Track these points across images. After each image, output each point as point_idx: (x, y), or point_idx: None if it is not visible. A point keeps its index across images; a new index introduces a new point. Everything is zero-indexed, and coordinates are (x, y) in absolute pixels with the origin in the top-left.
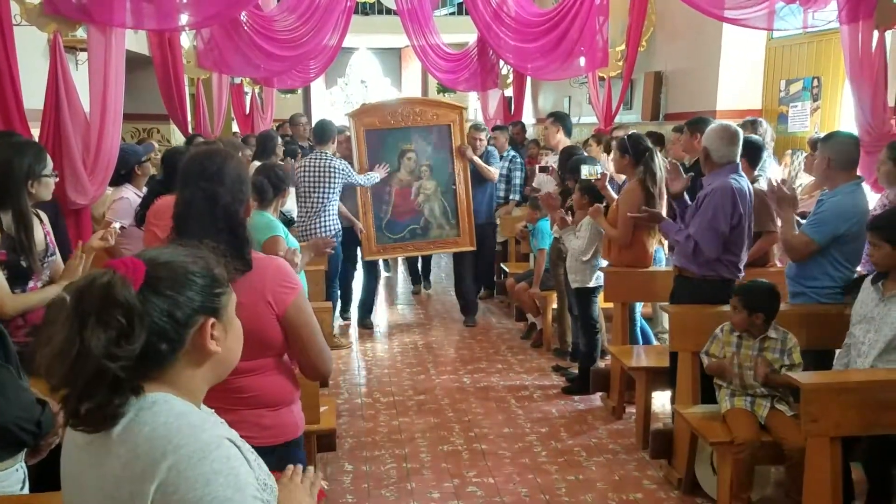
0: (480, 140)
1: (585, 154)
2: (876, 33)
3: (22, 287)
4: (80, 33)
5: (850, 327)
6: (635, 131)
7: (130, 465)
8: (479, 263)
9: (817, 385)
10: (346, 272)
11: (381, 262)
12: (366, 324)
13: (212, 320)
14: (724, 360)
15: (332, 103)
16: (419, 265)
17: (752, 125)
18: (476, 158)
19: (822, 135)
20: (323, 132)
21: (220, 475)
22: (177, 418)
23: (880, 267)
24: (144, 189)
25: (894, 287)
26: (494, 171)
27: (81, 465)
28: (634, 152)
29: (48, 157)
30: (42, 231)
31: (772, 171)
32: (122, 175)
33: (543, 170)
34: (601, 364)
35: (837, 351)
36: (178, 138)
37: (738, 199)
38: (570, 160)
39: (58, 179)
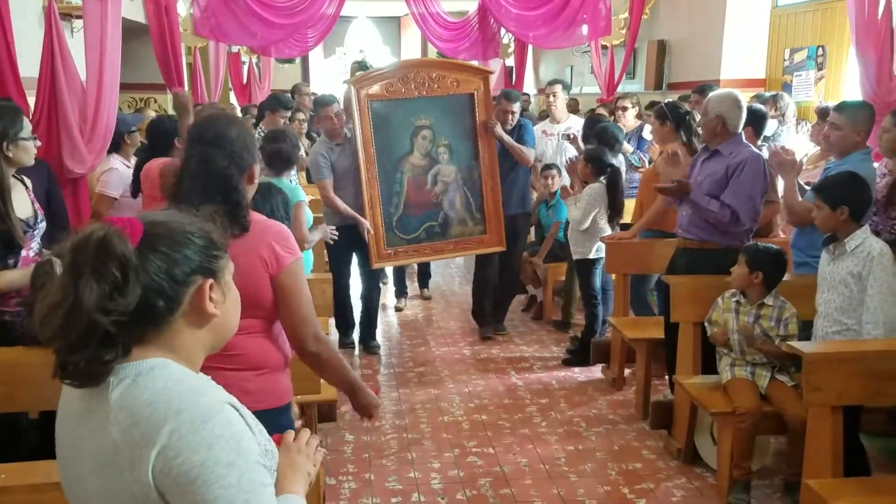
0: (512, 113)
1: (610, 121)
2: (882, 0)
3: (14, 257)
4: (76, 0)
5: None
6: (670, 100)
7: (130, 430)
8: (507, 265)
9: (820, 355)
10: (342, 284)
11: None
12: (371, 347)
13: (210, 281)
14: (723, 329)
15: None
16: (415, 266)
17: (773, 99)
18: (506, 136)
19: (829, 104)
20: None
21: (222, 439)
22: (176, 383)
23: (822, 228)
24: (133, 160)
25: (841, 247)
26: (530, 152)
27: (78, 432)
28: (675, 117)
29: (25, 120)
30: (28, 197)
31: (794, 141)
32: (111, 145)
33: (566, 138)
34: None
35: None
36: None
37: (766, 169)
38: (596, 126)
39: (39, 144)
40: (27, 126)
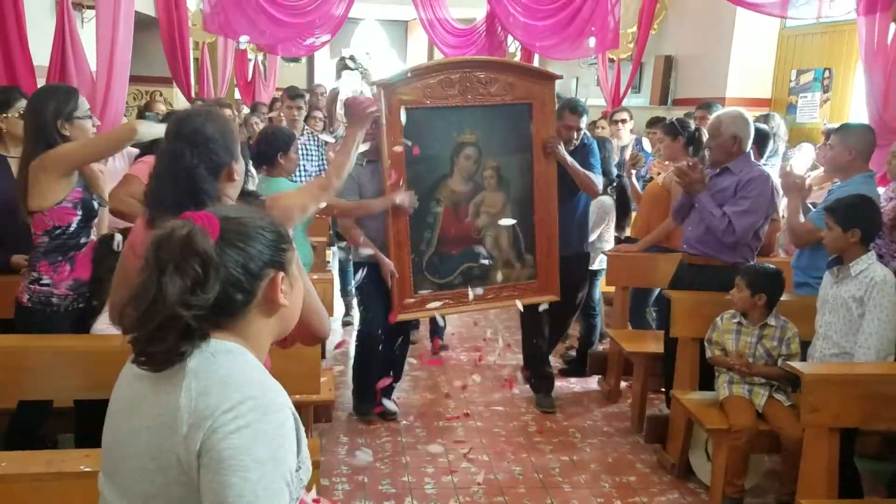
0: (578, 129)
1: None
2: (893, 25)
3: (88, 234)
4: None
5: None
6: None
7: (198, 399)
8: (559, 315)
9: (819, 376)
10: (373, 335)
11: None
12: (388, 412)
13: (281, 274)
14: (729, 356)
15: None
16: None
17: (764, 119)
18: (570, 159)
19: (834, 126)
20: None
21: (268, 436)
22: (251, 371)
23: (830, 249)
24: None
25: (845, 270)
26: (597, 179)
27: (142, 390)
28: (687, 133)
29: (81, 99)
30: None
31: (799, 161)
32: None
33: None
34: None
35: None
36: (180, 102)
37: (773, 190)
38: None
39: (98, 123)
40: (84, 104)
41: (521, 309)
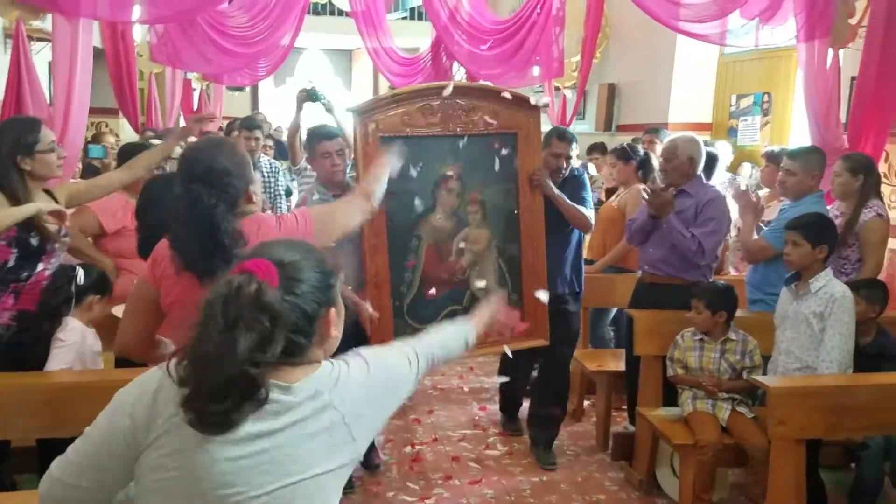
0: (567, 158)
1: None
2: (831, 51)
3: (32, 268)
4: (37, 23)
5: (775, 331)
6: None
7: (352, 413)
8: (549, 361)
9: (784, 389)
10: None
11: None
12: (370, 464)
13: (333, 309)
14: (695, 375)
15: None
16: None
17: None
18: (558, 192)
19: (775, 148)
20: None
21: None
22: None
23: (796, 266)
24: None
25: (804, 286)
26: (589, 213)
27: (293, 437)
28: (638, 157)
29: (44, 131)
30: None
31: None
32: None
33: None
34: None
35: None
36: (127, 132)
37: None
38: None
39: (64, 155)
40: (47, 136)
41: (511, 355)
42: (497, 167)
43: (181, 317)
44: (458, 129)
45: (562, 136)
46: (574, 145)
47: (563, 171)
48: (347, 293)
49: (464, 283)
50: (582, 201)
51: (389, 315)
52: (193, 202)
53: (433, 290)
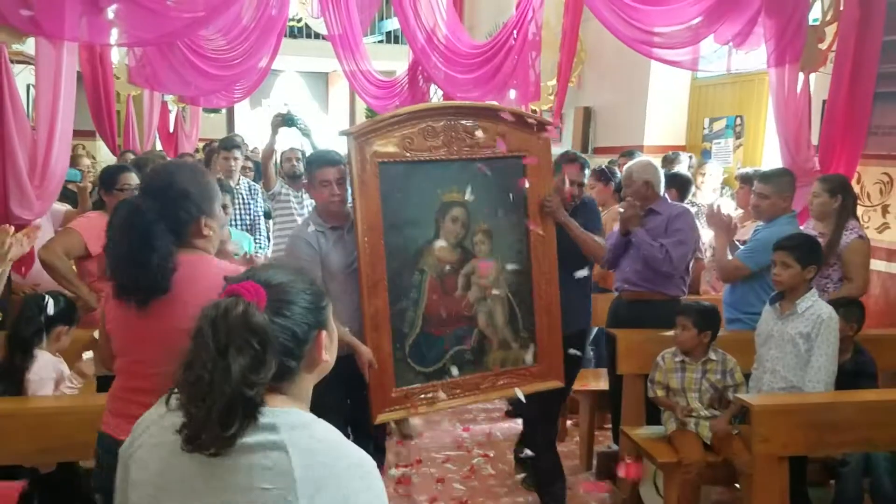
0: (580, 184)
1: None
2: (801, 76)
3: None
4: (18, 46)
5: (756, 349)
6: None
7: (305, 473)
8: (547, 403)
9: (768, 406)
10: None
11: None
12: None
13: (324, 332)
14: (678, 397)
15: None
16: None
17: (671, 159)
18: (573, 221)
19: (749, 170)
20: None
21: (371, 493)
22: (336, 436)
23: (784, 286)
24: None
25: (789, 306)
26: (601, 241)
27: (197, 471)
28: (616, 179)
29: None
30: None
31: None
32: None
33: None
34: None
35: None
36: (104, 155)
37: (695, 221)
38: None
39: None
40: None
41: (524, 399)
42: (505, 193)
43: (116, 340)
44: (463, 153)
45: (573, 159)
46: (586, 170)
47: (576, 199)
48: (345, 336)
49: (470, 321)
50: (595, 230)
51: (390, 359)
52: (135, 210)
53: (437, 329)
